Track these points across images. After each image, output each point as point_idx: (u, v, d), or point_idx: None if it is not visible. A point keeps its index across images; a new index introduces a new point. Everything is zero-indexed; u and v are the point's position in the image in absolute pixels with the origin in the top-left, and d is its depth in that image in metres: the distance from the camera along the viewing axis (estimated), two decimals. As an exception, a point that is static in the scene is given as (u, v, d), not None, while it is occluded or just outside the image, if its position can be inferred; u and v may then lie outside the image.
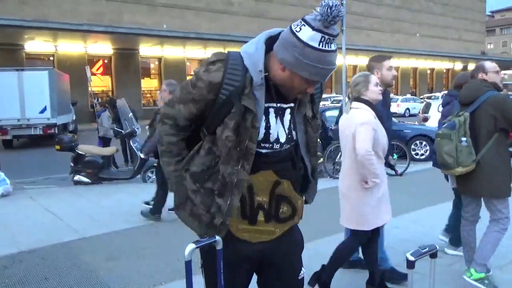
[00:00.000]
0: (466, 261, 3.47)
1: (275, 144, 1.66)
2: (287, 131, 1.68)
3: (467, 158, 3.18)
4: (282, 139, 1.67)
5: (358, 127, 2.96)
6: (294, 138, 1.71)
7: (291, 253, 1.80)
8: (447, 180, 3.74)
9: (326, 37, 1.48)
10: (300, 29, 1.49)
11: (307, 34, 1.48)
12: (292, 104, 1.68)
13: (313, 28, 1.47)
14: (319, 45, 1.47)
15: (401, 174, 3.40)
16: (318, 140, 1.90)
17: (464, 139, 3.20)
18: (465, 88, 3.46)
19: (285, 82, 1.58)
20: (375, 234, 3.21)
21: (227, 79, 1.56)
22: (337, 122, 8.70)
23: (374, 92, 3.08)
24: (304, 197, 1.80)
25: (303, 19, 1.50)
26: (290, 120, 1.69)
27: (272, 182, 1.66)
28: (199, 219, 1.68)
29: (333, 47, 1.51)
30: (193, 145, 1.73)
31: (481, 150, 3.20)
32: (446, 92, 5.01)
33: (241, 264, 1.72)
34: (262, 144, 1.63)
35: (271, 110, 1.64)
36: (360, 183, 3.02)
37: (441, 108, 4.51)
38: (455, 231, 3.96)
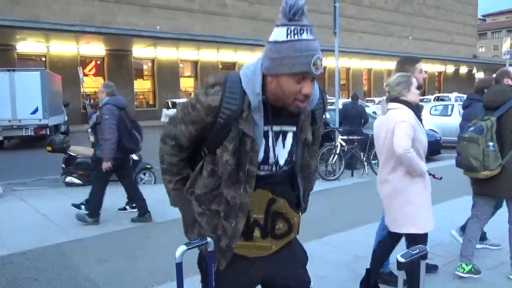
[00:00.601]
0: (462, 256, 3.57)
1: (273, 166, 1.65)
2: (287, 154, 1.67)
3: (493, 163, 3.27)
4: (282, 161, 1.66)
5: (396, 125, 2.87)
6: (294, 160, 1.70)
7: (296, 266, 1.78)
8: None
9: (292, 27, 1.47)
10: (271, 34, 1.52)
11: (274, 34, 1.51)
12: (294, 128, 1.66)
13: (277, 26, 1.50)
14: (286, 37, 1.48)
15: (440, 178, 3.39)
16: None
17: (491, 143, 3.28)
18: (490, 92, 3.53)
19: (277, 93, 1.54)
20: (397, 239, 3.17)
21: (225, 103, 1.55)
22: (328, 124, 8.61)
23: (414, 94, 3.00)
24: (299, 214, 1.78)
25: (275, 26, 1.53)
26: (291, 144, 1.67)
27: (267, 200, 1.66)
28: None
29: (305, 35, 1.49)
30: (195, 162, 1.74)
31: (506, 154, 3.29)
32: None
33: (242, 283, 1.72)
34: (261, 166, 1.63)
35: (270, 134, 1.62)
36: (406, 184, 2.92)
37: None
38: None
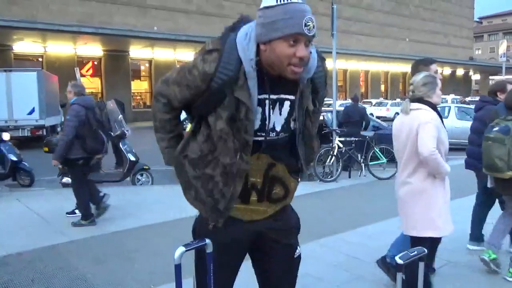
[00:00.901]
0: (489, 244, 3.73)
1: (270, 132, 1.66)
2: (284, 122, 1.67)
3: None
4: (278, 128, 1.67)
5: (421, 126, 2.80)
6: (292, 128, 1.70)
7: (286, 230, 1.79)
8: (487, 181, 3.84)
9: None
10: (262, 3, 1.55)
11: (264, 1, 1.53)
12: (293, 97, 1.65)
13: None
14: (276, 1, 1.50)
15: None
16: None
17: None
18: None
19: (272, 60, 1.54)
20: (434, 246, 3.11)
21: (221, 68, 1.55)
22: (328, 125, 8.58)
23: (439, 96, 2.95)
24: (298, 179, 1.78)
25: None
26: (289, 112, 1.67)
27: (266, 164, 1.67)
28: (203, 203, 1.70)
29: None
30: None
31: None
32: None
33: (233, 245, 1.72)
34: (257, 133, 1.63)
35: (267, 102, 1.62)
36: (426, 187, 2.87)
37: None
38: (477, 227, 4.32)
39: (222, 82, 1.55)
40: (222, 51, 1.57)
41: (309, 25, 1.48)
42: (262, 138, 1.64)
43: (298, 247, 1.83)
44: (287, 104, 1.66)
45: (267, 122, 1.63)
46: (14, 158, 7.93)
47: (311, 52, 1.59)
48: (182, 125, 1.82)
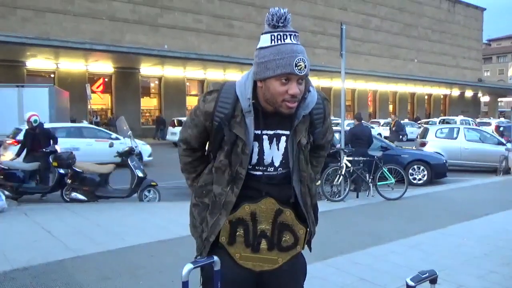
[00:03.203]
0: None
1: (268, 167, 1.73)
2: (282, 157, 1.73)
3: None
4: (277, 163, 1.73)
5: None
6: (289, 163, 1.74)
7: (292, 282, 1.80)
8: None
9: (276, 34, 1.58)
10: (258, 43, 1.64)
11: (260, 41, 1.62)
12: (288, 132, 1.72)
13: (263, 34, 1.62)
14: (271, 42, 1.58)
15: None
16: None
17: None
18: None
19: (267, 96, 1.63)
20: None
21: (219, 107, 1.69)
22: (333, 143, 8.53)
23: None
24: (307, 228, 1.79)
25: None
26: (285, 147, 1.73)
27: (274, 210, 1.70)
28: (196, 231, 1.80)
29: (289, 40, 1.58)
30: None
31: None
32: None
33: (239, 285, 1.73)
34: (256, 167, 1.71)
35: (265, 137, 1.71)
36: None
37: None
38: None
39: (220, 120, 1.67)
40: (221, 91, 1.71)
41: (300, 65, 1.56)
42: (261, 173, 1.71)
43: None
44: (283, 139, 1.72)
45: (264, 157, 1.71)
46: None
47: (310, 91, 1.69)
48: (204, 166, 1.91)
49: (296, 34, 1.60)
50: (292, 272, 1.79)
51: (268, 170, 1.72)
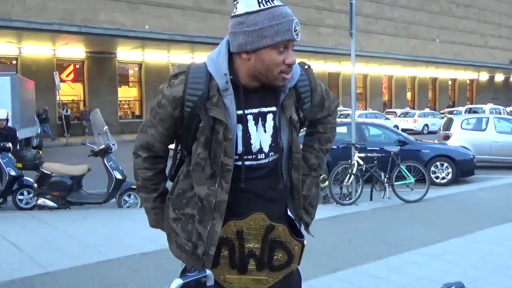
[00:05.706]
0: None
1: (259, 154, 1.69)
2: (270, 140, 1.70)
3: None
4: (266, 148, 1.70)
5: None
6: (281, 146, 1.73)
7: None
8: None
9: None
10: (236, 8, 1.59)
11: (243, 6, 1.57)
12: (274, 108, 1.70)
13: None
14: (259, 6, 1.56)
15: None
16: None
17: None
18: None
19: (258, 69, 1.60)
20: None
21: (189, 89, 1.63)
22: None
23: None
24: (303, 241, 1.78)
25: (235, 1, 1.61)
26: (273, 127, 1.70)
27: (264, 227, 1.68)
28: (184, 250, 1.72)
29: (276, 2, 1.58)
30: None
31: None
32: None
33: None
34: (244, 157, 1.67)
35: (250, 117, 1.67)
36: None
37: None
38: None
39: (193, 104, 1.61)
40: (188, 72, 1.66)
41: (297, 29, 1.58)
42: (251, 162, 1.67)
43: None
44: (270, 117, 1.70)
45: (252, 141, 1.67)
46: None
47: None
48: (166, 182, 1.87)
49: None
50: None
51: (259, 157, 1.69)
